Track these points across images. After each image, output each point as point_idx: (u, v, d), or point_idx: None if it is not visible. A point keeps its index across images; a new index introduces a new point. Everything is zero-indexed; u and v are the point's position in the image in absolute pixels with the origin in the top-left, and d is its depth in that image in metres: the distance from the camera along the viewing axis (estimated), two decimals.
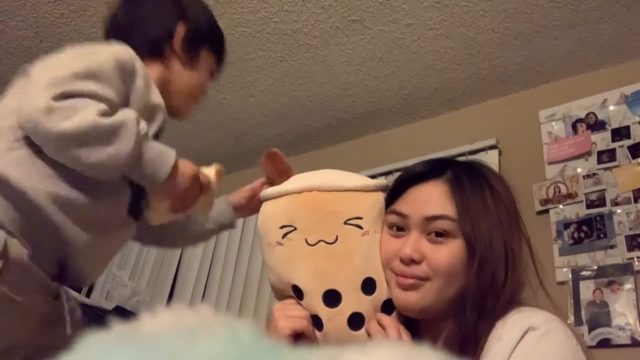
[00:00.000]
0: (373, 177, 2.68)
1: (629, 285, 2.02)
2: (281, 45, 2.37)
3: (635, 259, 2.04)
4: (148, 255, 3.23)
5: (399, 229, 0.96)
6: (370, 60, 2.43)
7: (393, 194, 1.01)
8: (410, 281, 0.91)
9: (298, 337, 0.92)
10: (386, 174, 2.65)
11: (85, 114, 0.93)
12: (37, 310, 1.02)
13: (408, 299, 0.92)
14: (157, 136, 1.11)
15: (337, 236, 0.95)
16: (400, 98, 2.66)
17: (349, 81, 2.56)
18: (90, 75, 0.98)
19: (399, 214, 0.96)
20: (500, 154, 2.48)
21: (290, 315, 0.94)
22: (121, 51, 1.07)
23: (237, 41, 2.35)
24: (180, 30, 1.19)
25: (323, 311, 0.93)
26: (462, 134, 2.60)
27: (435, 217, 0.92)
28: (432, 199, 0.95)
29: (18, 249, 0.96)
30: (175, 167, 1.00)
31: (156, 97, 1.10)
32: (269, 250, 1.00)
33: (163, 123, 1.13)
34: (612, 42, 2.26)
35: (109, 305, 2.64)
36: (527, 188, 2.35)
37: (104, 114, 0.95)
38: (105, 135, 0.94)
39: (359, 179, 1.02)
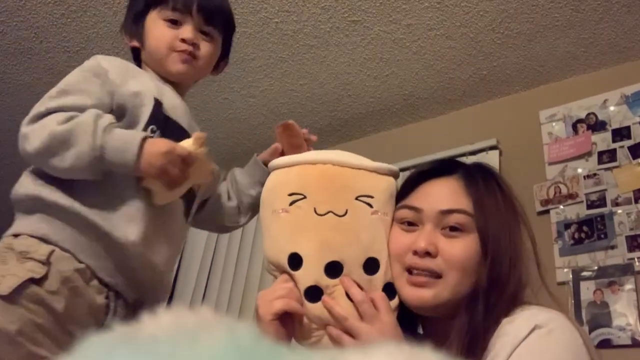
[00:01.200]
0: None
1: (629, 286, 2.02)
2: (282, 46, 2.37)
3: (636, 259, 2.04)
4: None
5: (410, 224, 0.96)
6: (370, 61, 2.43)
7: (404, 190, 1.01)
8: (423, 279, 0.91)
9: (285, 316, 0.91)
10: None
11: (46, 129, 1.03)
12: (76, 331, 1.04)
13: (422, 296, 0.91)
14: (157, 116, 1.14)
15: (347, 210, 0.95)
16: (400, 98, 2.66)
17: (349, 81, 2.56)
18: (61, 92, 1.09)
19: (412, 208, 0.96)
20: (500, 154, 2.48)
21: (270, 298, 0.92)
22: (87, 62, 1.17)
23: (237, 41, 2.34)
24: (123, 29, 1.30)
25: (324, 281, 0.92)
26: (462, 134, 2.60)
27: (451, 211, 0.92)
28: (446, 193, 0.95)
29: (66, 263, 1.04)
30: (141, 150, 1.03)
31: (135, 86, 1.15)
32: (273, 216, 0.98)
33: (157, 110, 1.16)
34: (612, 42, 2.26)
35: None
36: (528, 188, 2.35)
37: (66, 120, 1.04)
38: (63, 140, 1.02)
39: (372, 161, 1.03)
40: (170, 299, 3.08)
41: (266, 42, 2.35)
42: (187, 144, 1.09)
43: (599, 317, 2.03)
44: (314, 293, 0.92)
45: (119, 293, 1.11)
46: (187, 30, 1.21)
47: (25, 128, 1.06)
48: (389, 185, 1.01)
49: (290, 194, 0.96)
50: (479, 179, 0.96)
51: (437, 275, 0.91)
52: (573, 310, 2.08)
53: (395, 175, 1.04)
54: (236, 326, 0.28)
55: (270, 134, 2.89)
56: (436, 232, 0.93)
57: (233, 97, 2.70)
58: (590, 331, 2.02)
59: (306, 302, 0.92)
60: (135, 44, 1.26)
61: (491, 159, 2.47)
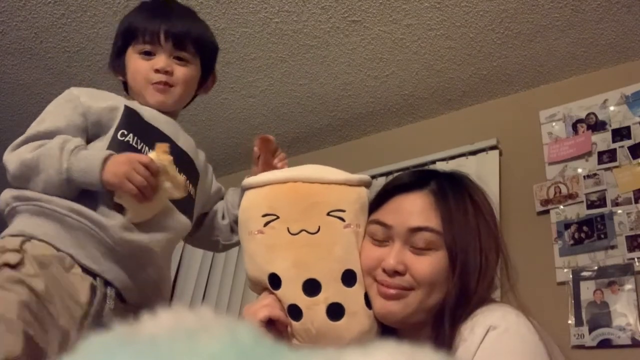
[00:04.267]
0: (373, 177, 2.69)
1: (629, 286, 2.01)
2: (281, 46, 2.37)
3: (636, 259, 2.04)
4: None
5: (382, 238, 0.97)
6: (370, 61, 2.43)
7: (376, 203, 1.02)
8: (393, 291, 0.92)
9: (270, 325, 0.93)
10: (386, 174, 2.64)
11: (17, 157, 1.11)
12: (62, 315, 1.04)
13: (390, 308, 0.93)
14: (130, 121, 1.19)
15: (319, 227, 0.97)
16: (400, 98, 2.66)
17: (349, 81, 2.56)
18: (38, 122, 1.18)
19: (383, 224, 0.97)
20: (500, 154, 2.48)
21: (255, 308, 0.94)
22: (63, 93, 1.25)
23: (237, 41, 2.35)
24: (110, 66, 1.36)
25: (302, 300, 0.93)
26: (462, 134, 2.60)
27: (420, 229, 0.93)
28: (416, 210, 0.96)
29: (42, 250, 1.06)
30: (104, 165, 1.08)
31: (106, 103, 1.21)
32: (249, 238, 1.01)
33: (129, 116, 1.21)
34: (612, 42, 2.26)
35: None
36: (528, 188, 2.35)
37: (36, 148, 1.11)
38: (32, 167, 1.10)
39: (342, 173, 1.04)
40: (170, 299, 3.08)
41: (266, 42, 2.35)
42: (151, 155, 1.11)
43: (599, 317, 2.03)
44: (295, 311, 0.94)
45: (109, 282, 1.11)
46: (159, 60, 1.24)
47: (5, 156, 1.13)
48: (360, 196, 1.02)
49: (264, 215, 0.99)
50: (450, 194, 0.97)
51: (408, 289, 0.93)
52: (573, 310, 2.08)
53: (366, 184, 1.05)
54: (236, 326, 0.28)
55: (271, 134, 2.89)
56: (405, 249, 0.94)
57: (233, 97, 2.70)
58: (590, 331, 2.02)
59: (290, 320, 0.94)
60: (121, 78, 1.33)
61: (491, 159, 2.47)
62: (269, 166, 1.21)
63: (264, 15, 2.22)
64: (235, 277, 2.94)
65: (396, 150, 2.75)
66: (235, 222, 1.35)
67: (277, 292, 0.96)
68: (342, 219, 0.98)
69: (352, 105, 2.73)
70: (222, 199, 1.41)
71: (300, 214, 0.98)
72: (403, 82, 2.55)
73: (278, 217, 0.98)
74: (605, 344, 1.98)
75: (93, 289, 1.08)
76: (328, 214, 0.98)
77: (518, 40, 2.27)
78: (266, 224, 0.98)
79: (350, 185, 1.02)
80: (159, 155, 1.09)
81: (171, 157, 1.11)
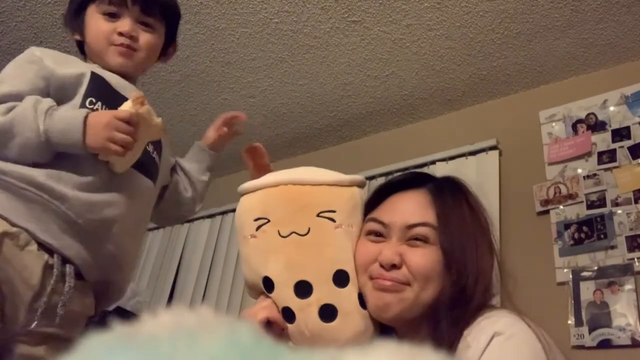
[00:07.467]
0: (373, 177, 2.70)
1: (629, 286, 2.01)
2: (281, 46, 2.37)
3: (636, 259, 2.04)
4: (148, 255, 3.23)
5: (377, 235, 0.97)
6: (370, 61, 2.43)
7: (373, 202, 1.03)
8: (388, 283, 0.92)
9: (268, 327, 0.95)
10: (386, 174, 2.64)
11: None
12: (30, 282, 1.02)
13: (385, 301, 0.92)
14: (98, 88, 1.15)
15: (309, 228, 0.97)
16: (400, 98, 2.66)
17: (349, 81, 2.56)
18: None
19: (380, 222, 0.97)
20: (500, 154, 2.48)
21: (254, 310, 0.96)
22: (24, 52, 1.19)
23: (237, 42, 2.35)
24: (65, 23, 1.31)
25: (294, 302, 0.94)
26: (462, 134, 2.60)
27: (416, 225, 0.94)
28: (413, 207, 0.97)
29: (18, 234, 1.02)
30: (85, 127, 1.04)
31: (71, 68, 1.16)
32: (244, 242, 1.02)
33: (96, 82, 1.16)
34: (612, 42, 2.26)
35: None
36: (528, 189, 2.35)
37: (6, 111, 1.05)
38: (6, 131, 1.04)
39: (334, 174, 1.04)
40: (170, 299, 3.08)
41: (266, 42, 2.35)
42: (127, 107, 1.09)
43: (599, 317, 2.03)
44: (288, 314, 0.95)
45: (67, 259, 1.07)
46: (124, 24, 1.20)
47: None
48: (352, 196, 1.02)
49: (256, 219, 0.99)
50: (447, 193, 0.98)
51: (404, 283, 0.92)
52: (573, 311, 2.08)
53: (359, 184, 1.05)
54: (236, 326, 0.28)
55: (270, 134, 2.90)
56: (401, 244, 0.94)
57: (233, 97, 2.69)
58: (590, 331, 2.02)
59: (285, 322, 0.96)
60: (78, 37, 1.27)
61: (491, 159, 2.47)
62: (262, 170, 1.20)
63: (264, 16, 2.22)
64: (235, 277, 2.94)
65: (396, 151, 2.75)
66: (198, 191, 1.38)
67: (272, 295, 0.97)
68: (333, 220, 0.98)
69: (352, 105, 2.73)
70: (176, 172, 1.40)
71: (291, 216, 0.98)
72: (403, 82, 2.55)
73: (269, 221, 0.98)
74: (605, 344, 1.98)
75: (49, 267, 1.05)
76: (318, 215, 0.98)
77: (518, 40, 2.27)
78: (258, 228, 0.99)
79: (341, 185, 1.02)
80: (136, 107, 1.08)
81: (148, 107, 1.11)
